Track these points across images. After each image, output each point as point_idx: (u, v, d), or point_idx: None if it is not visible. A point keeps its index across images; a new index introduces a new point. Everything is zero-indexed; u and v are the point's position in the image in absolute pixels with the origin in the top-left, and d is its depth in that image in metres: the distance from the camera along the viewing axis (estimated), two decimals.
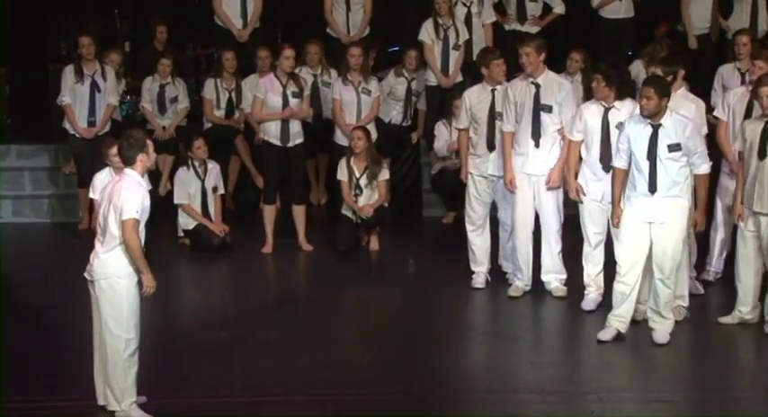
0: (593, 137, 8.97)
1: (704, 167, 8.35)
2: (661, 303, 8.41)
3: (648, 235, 8.34)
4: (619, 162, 8.46)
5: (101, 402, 7.32)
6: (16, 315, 9.06)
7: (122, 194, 7.10)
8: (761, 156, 8.52)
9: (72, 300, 9.60)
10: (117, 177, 7.35)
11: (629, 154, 8.34)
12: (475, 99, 9.64)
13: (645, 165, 8.27)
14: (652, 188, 8.27)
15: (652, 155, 8.24)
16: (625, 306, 8.46)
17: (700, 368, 8.23)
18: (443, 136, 11.77)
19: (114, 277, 7.15)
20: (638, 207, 8.35)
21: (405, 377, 7.94)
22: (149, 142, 7.26)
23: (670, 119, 8.24)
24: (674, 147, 8.22)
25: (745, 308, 8.82)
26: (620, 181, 8.47)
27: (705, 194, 8.45)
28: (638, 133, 8.30)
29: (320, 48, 12.02)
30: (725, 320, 8.86)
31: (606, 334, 8.49)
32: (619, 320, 8.49)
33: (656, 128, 8.24)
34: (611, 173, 8.73)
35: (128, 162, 7.22)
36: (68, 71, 11.71)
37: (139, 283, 7.18)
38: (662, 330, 8.44)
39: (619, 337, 8.47)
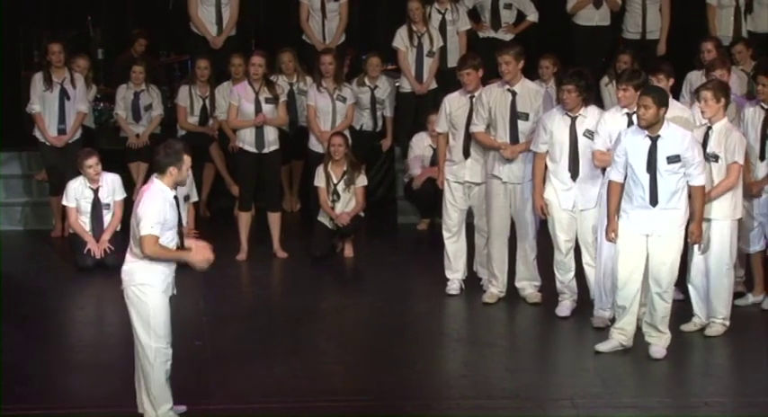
0: (561, 148, 8.94)
1: (700, 178, 8.19)
2: (658, 317, 8.31)
3: (645, 248, 8.23)
4: (615, 175, 8.28)
5: (140, 410, 7.23)
6: None
7: (141, 207, 6.99)
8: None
9: (45, 308, 9.62)
10: (145, 185, 7.21)
11: (625, 167, 8.19)
12: (455, 104, 9.62)
13: (644, 178, 8.11)
14: (653, 201, 8.12)
15: (652, 167, 8.09)
16: (626, 319, 8.33)
17: (674, 374, 8.23)
18: (421, 146, 11.74)
19: (139, 285, 7.07)
20: (635, 219, 8.22)
21: (379, 383, 7.93)
22: (187, 158, 7.09)
23: (668, 131, 8.09)
24: (673, 159, 8.07)
25: (701, 314, 8.84)
26: (617, 195, 8.29)
27: (701, 205, 8.28)
28: (636, 145, 8.13)
29: (294, 56, 12.01)
30: (686, 327, 8.85)
31: (605, 346, 8.38)
32: (620, 333, 8.36)
33: (654, 139, 8.09)
34: (578, 180, 8.82)
35: (159, 170, 7.07)
36: (37, 79, 11.64)
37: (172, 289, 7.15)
38: (659, 345, 8.35)
39: (622, 350, 8.37)
